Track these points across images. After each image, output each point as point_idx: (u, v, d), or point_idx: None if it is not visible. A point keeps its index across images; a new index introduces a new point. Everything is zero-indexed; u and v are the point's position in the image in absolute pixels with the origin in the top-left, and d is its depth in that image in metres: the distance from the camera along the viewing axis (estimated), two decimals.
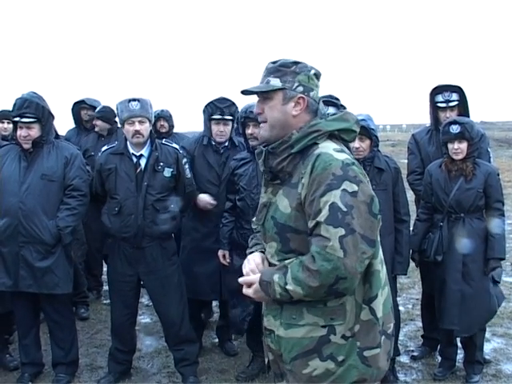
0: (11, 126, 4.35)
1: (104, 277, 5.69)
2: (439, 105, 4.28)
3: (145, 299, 5.44)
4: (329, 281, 1.82)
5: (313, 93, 2.03)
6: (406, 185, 4.16)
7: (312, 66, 2.05)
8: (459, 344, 4.11)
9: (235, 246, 3.90)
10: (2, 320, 4.06)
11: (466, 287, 3.80)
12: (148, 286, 3.90)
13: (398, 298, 5.04)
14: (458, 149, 3.77)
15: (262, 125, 2.07)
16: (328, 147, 1.95)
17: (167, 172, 3.75)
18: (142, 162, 3.74)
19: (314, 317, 1.94)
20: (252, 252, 2.17)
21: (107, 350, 4.16)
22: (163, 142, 3.93)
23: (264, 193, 2.10)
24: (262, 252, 2.14)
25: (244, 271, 2.08)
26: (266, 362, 2.20)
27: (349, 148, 2.07)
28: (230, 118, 4.16)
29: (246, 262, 2.09)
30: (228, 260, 3.99)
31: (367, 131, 3.58)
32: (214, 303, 5.19)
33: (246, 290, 2.07)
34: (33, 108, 3.66)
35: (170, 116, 5.92)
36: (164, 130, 5.77)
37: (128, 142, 3.77)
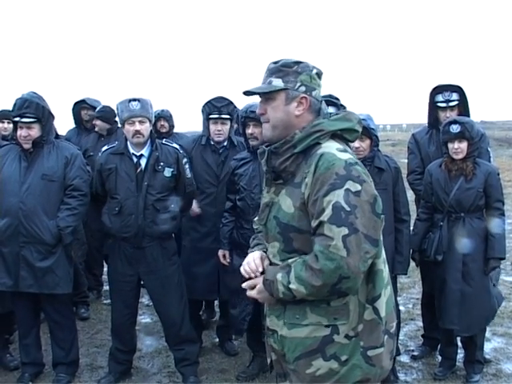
0: (11, 125, 4.35)
1: (104, 277, 5.69)
2: (439, 104, 4.28)
3: (145, 299, 5.44)
4: (332, 280, 1.82)
5: (315, 92, 2.03)
6: (406, 184, 4.16)
7: (314, 65, 2.05)
8: (459, 343, 4.11)
9: (235, 245, 3.90)
10: (2, 320, 4.06)
11: (465, 287, 3.80)
12: (148, 285, 3.90)
13: (399, 298, 5.04)
14: (458, 148, 3.77)
15: (264, 125, 2.07)
16: (331, 147, 1.95)
17: (167, 172, 3.75)
18: (143, 161, 3.74)
19: (317, 316, 1.94)
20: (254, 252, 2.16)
21: (107, 349, 4.16)
22: (163, 141, 3.94)
23: (266, 193, 2.10)
24: (265, 252, 2.13)
25: (242, 269, 2.07)
26: (269, 362, 2.20)
27: (349, 148, 2.08)
28: (228, 117, 4.16)
29: (245, 261, 2.08)
30: (228, 260, 3.99)
31: (367, 131, 3.58)
32: (216, 303, 5.19)
33: (249, 293, 2.07)
34: (33, 108, 3.66)
35: (171, 116, 5.92)
36: (164, 130, 5.77)
37: (128, 142, 3.77)
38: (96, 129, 5.52)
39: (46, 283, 3.67)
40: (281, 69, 2.01)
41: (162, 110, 5.83)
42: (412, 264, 4.11)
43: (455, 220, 3.84)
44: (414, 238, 3.98)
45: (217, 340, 4.64)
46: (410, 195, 4.19)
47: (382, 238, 1.97)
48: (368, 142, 3.69)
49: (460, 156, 3.79)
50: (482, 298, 3.82)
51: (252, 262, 2.06)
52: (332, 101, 3.53)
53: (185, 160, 3.88)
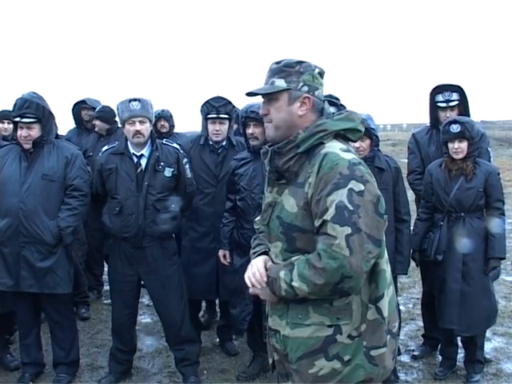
0: (11, 126, 4.35)
1: (105, 277, 5.69)
2: (439, 104, 4.28)
3: (145, 299, 5.44)
4: (334, 279, 1.82)
5: (318, 92, 2.03)
6: (406, 184, 4.16)
7: (316, 64, 2.05)
8: (460, 343, 4.12)
9: (236, 245, 3.90)
10: (2, 320, 4.06)
11: (465, 287, 3.80)
12: (148, 285, 3.90)
13: (399, 298, 5.04)
14: (459, 148, 3.77)
15: (267, 126, 2.07)
16: (335, 147, 1.95)
17: (168, 172, 3.75)
18: (143, 161, 3.74)
19: (320, 316, 1.94)
20: (256, 252, 2.16)
21: (108, 349, 4.16)
22: (164, 141, 3.94)
23: (269, 192, 2.10)
24: (265, 252, 2.13)
25: (247, 279, 2.05)
26: (271, 362, 2.20)
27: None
28: (226, 116, 4.16)
29: (250, 271, 2.06)
30: (228, 260, 3.99)
31: (367, 131, 3.58)
32: (216, 303, 5.19)
33: (253, 290, 2.06)
34: (33, 108, 3.66)
35: (171, 116, 5.92)
36: (165, 130, 5.77)
37: (129, 142, 3.77)
38: (96, 129, 5.52)
39: (47, 283, 3.67)
40: (283, 69, 2.01)
41: (163, 110, 5.83)
42: (412, 264, 4.12)
43: (455, 220, 3.84)
44: (414, 238, 3.99)
45: (217, 340, 4.64)
46: (410, 195, 4.19)
47: (384, 238, 1.97)
48: (368, 141, 3.69)
49: (460, 156, 3.79)
50: (482, 298, 3.83)
51: (257, 272, 2.03)
52: (332, 101, 3.53)
53: (185, 160, 3.88)
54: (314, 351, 1.95)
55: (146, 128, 3.73)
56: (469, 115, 4.22)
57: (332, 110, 3.31)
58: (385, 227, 1.94)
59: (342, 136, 2.03)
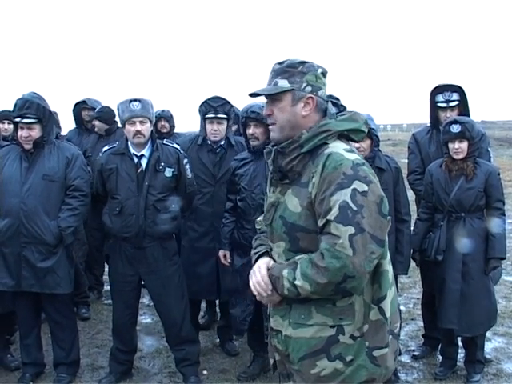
0: (12, 126, 4.35)
1: (105, 277, 5.69)
2: (439, 104, 4.28)
3: (146, 299, 5.44)
4: (337, 278, 1.82)
5: (321, 92, 2.04)
6: (407, 184, 4.16)
7: (319, 64, 2.06)
8: (460, 343, 4.12)
9: (236, 246, 3.90)
10: (3, 320, 4.06)
11: (465, 287, 3.80)
12: (149, 286, 3.90)
13: (399, 298, 5.04)
14: (459, 148, 3.77)
15: (271, 127, 2.07)
16: (338, 147, 1.96)
17: (168, 172, 3.75)
18: (143, 162, 3.74)
19: (322, 316, 1.94)
20: (257, 252, 2.15)
21: (108, 350, 4.16)
22: (164, 142, 3.94)
23: (272, 192, 2.10)
24: (266, 252, 2.12)
25: (252, 288, 2.05)
26: (272, 362, 2.20)
27: None
28: (224, 116, 4.16)
29: (254, 279, 2.04)
30: (229, 260, 3.99)
31: (368, 131, 3.58)
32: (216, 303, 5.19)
33: (259, 297, 2.06)
34: (34, 109, 3.66)
35: (171, 116, 5.93)
36: (165, 131, 5.78)
37: (129, 142, 3.77)
38: (95, 129, 5.53)
39: (47, 283, 3.68)
40: (286, 69, 2.01)
41: (163, 111, 5.84)
42: (412, 264, 4.12)
43: (455, 220, 3.84)
44: (414, 238, 3.99)
45: (217, 340, 4.64)
46: (411, 195, 4.19)
47: (387, 239, 1.97)
48: (368, 142, 3.70)
49: (460, 156, 3.79)
50: (483, 298, 3.83)
51: (261, 281, 2.01)
52: (332, 101, 3.52)
53: (185, 160, 3.88)
54: (317, 351, 1.94)
55: (147, 128, 3.73)
56: (469, 115, 4.22)
57: (332, 110, 3.31)
58: (388, 228, 1.94)
59: (345, 136, 2.04)
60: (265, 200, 2.19)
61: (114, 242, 3.86)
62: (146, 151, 3.76)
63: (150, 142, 3.78)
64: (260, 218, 2.31)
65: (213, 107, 4.12)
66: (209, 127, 4.18)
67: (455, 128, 3.75)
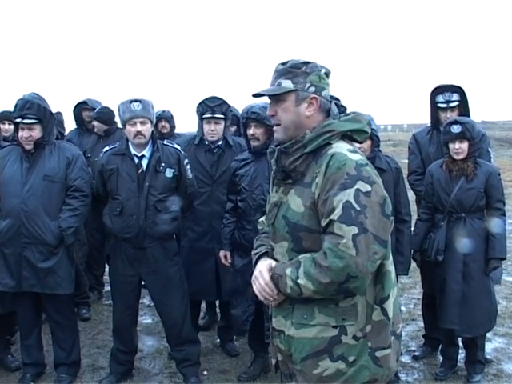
0: (12, 127, 4.35)
1: (106, 277, 5.70)
2: (440, 105, 4.28)
3: (146, 300, 5.44)
4: (339, 278, 1.82)
5: (324, 92, 2.04)
6: (407, 185, 4.16)
7: (322, 64, 2.06)
8: (460, 344, 4.12)
9: (236, 246, 3.90)
10: (3, 320, 4.06)
11: (466, 287, 3.80)
12: (150, 286, 3.90)
13: (400, 298, 5.04)
14: (459, 149, 3.77)
15: (275, 127, 2.07)
16: (342, 147, 1.96)
17: (169, 172, 3.75)
18: (144, 162, 3.75)
19: (325, 317, 1.94)
20: (257, 253, 2.15)
21: (109, 350, 4.16)
22: (165, 142, 3.94)
23: (275, 192, 2.10)
24: (266, 253, 2.12)
25: (258, 294, 2.04)
26: (274, 362, 2.19)
27: None
28: (222, 116, 4.16)
29: (258, 285, 2.03)
30: (229, 261, 3.99)
31: None
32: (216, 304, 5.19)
33: (266, 302, 2.06)
34: (34, 109, 3.66)
35: (172, 117, 5.93)
36: (165, 131, 5.77)
37: (130, 143, 3.78)
38: (95, 130, 5.53)
39: (48, 283, 3.68)
40: (290, 70, 2.01)
41: (164, 111, 5.84)
42: (413, 264, 4.12)
43: (456, 220, 3.84)
44: (414, 239, 3.99)
45: (218, 341, 4.64)
46: (411, 195, 4.19)
47: (390, 240, 1.97)
48: (369, 142, 3.70)
49: (461, 156, 3.79)
50: (483, 299, 3.83)
51: (265, 286, 2.01)
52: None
53: (186, 161, 3.88)
54: (319, 352, 1.94)
55: (147, 129, 3.73)
56: (469, 116, 4.22)
57: None
58: (391, 229, 1.94)
59: (349, 137, 2.04)
60: (267, 200, 2.19)
61: (115, 243, 3.86)
62: (146, 152, 3.76)
63: (150, 142, 3.78)
64: (262, 219, 2.32)
65: (210, 107, 4.13)
66: (206, 127, 4.18)
67: (455, 128, 3.75)
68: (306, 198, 1.95)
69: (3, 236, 3.65)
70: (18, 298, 3.81)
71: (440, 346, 4.26)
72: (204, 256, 4.17)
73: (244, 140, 4.05)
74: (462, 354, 4.13)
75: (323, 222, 1.89)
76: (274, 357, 2.18)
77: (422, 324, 4.69)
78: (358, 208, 1.83)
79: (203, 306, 5.09)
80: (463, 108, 4.25)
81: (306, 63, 2.02)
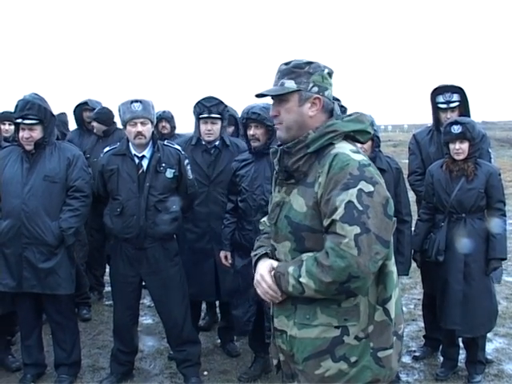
0: (13, 127, 4.35)
1: (106, 278, 5.70)
2: (440, 105, 4.28)
3: (147, 300, 5.44)
4: (341, 278, 1.82)
5: (327, 92, 2.04)
6: (407, 185, 4.16)
7: (325, 65, 2.06)
8: (461, 344, 4.12)
9: (237, 247, 3.90)
10: (4, 321, 4.06)
11: (467, 287, 3.80)
12: (150, 286, 3.90)
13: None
14: (460, 149, 3.77)
15: (278, 127, 2.07)
16: (345, 148, 1.96)
17: (169, 173, 3.75)
18: (144, 162, 3.75)
19: (327, 317, 1.94)
20: (256, 254, 2.15)
21: (109, 351, 4.16)
22: (165, 143, 3.94)
23: (277, 192, 2.10)
24: (266, 254, 2.12)
25: (263, 296, 2.05)
26: (276, 363, 2.19)
27: None
28: (218, 116, 4.16)
29: (262, 289, 2.03)
30: (230, 261, 3.99)
31: None
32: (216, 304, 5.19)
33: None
34: (35, 110, 3.67)
35: (172, 117, 5.93)
36: (166, 131, 5.78)
37: (130, 143, 3.78)
38: (94, 130, 5.54)
39: (49, 284, 3.68)
40: (293, 70, 2.01)
41: (164, 112, 5.84)
42: (413, 265, 4.12)
43: (456, 220, 3.84)
44: (415, 239, 3.99)
45: (218, 341, 4.64)
46: (411, 196, 4.19)
47: (392, 241, 1.97)
48: (369, 142, 3.70)
49: (461, 157, 3.79)
50: (484, 299, 3.83)
51: (269, 290, 2.01)
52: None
53: (186, 161, 3.89)
54: (321, 352, 1.94)
55: (148, 129, 3.74)
56: (469, 116, 4.21)
57: None
58: (393, 229, 1.94)
59: (351, 137, 2.04)
60: (270, 200, 2.19)
61: (115, 243, 3.86)
62: (147, 152, 3.77)
63: (151, 142, 3.79)
64: (264, 219, 2.32)
65: (206, 107, 4.13)
66: (203, 127, 4.18)
67: (456, 129, 3.75)
68: (308, 198, 1.95)
69: (4, 236, 3.65)
70: (18, 298, 3.81)
71: (440, 347, 4.26)
72: (203, 257, 4.17)
73: (242, 141, 4.05)
74: (462, 355, 4.13)
75: (325, 222, 1.89)
76: (275, 357, 2.18)
77: (422, 324, 4.69)
78: (361, 208, 1.83)
79: (203, 306, 5.09)
80: (463, 108, 4.25)
81: (309, 63, 2.02)
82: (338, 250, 1.82)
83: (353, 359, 1.93)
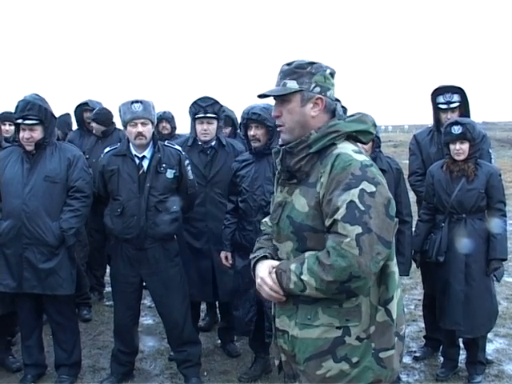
0: (13, 128, 4.35)
1: (107, 278, 5.70)
2: (440, 106, 4.28)
3: (147, 300, 5.44)
4: (342, 277, 1.82)
5: (329, 92, 2.04)
6: (408, 185, 4.16)
7: (327, 65, 2.06)
8: (461, 345, 4.12)
9: (237, 247, 3.90)
10: (4, 321, 4.06)
11: (468, 288, 3.80)
12: (150, 287, 3.90)
13: None
14: (460, 149, 3.77)
15: (280, 128, 2.07)
16: (347, 148, 1.96)
17: (170, 173, 3.76)
18: (145, 163, 3.75)
19: (329, 317, 1.94)
20: (255, 257, 2.15)
21: (110, 351, 4.16)
22: (166, 143, 3.95)
23: (279, 192, 2.10)
24: (265, 256, 2.12)
25: (264, 295, 2.05)
26: (277, 363, 2.19)
27: None
28: (214, 116, 4.16)
29: (265, 291, 2.03)
30: (230, 261, 3.99)
31: None
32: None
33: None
34: (35, 110, 3.67)
35: (173, 118, 5.94)
36: (166, 132, 5.78)
37: (130, 144, 3.78)
38: (94, 131, 5.54)
39: (49, 284, 3.68)
40: (295, 70, 2.01)
41: (164, 112, 5.85)
42: (414, 265, 4.12)
43: (457, 221, 3.84)
44: (415, 239, 3.99)
45: (218, 341, 4.64)
46: (412, 196, 4.19)
47: (394, 241, 1.97)
48: (370, 143, 3.70)
49: (462, 157, 3.79)
50: (484, 299, 3.83)
51: (273, 293, 2.01)
52: None
53: (187, 162, 3.89)
54: (322, 352, 1.94)
55: (148, 130, 3.74)
56: (469, 116, 4.22)
57: None
58: (395, 230, 1.94)
59: (353, 138, 2.05)
60: (272, 200, 2.19)
61: (116, 244, 3.87)
62: (147, 152, 3.77)
63: (151, 143, 3.79)
64: (266, 219, 2.32)
65: (202, 107, 4.13)
66: (199, 127, 4.18)
67: (456, 129, 3.76)
68: (310, 198, 1.95)
69: (4, 237, 3.66)
70: (18, 298, 3.81)
71: (441, 347, 4.26)
72: (201, 257, 4.17)
73: (240, 142, 4.04)
74: (462, 355, 4.14)
75: (327, 222, 1.89)
76: (277, 357, 2.18)
77: (422, 325, 4.69)
78: (363, 208, 1.83)
79: (203, 307, 5.09)
80: (464, 109, 4.25)
81: (311, 63, 2.02)
82: (340, 250, 1.82)
83: (354, 360, 1.93)
